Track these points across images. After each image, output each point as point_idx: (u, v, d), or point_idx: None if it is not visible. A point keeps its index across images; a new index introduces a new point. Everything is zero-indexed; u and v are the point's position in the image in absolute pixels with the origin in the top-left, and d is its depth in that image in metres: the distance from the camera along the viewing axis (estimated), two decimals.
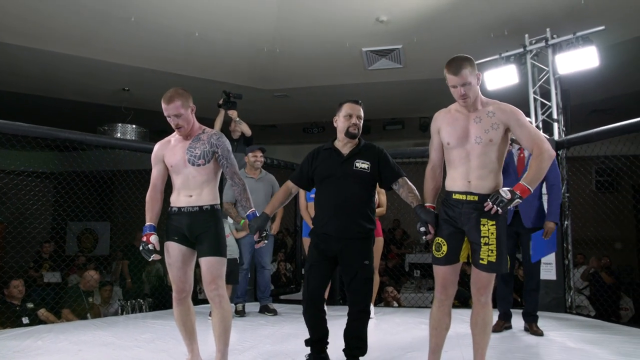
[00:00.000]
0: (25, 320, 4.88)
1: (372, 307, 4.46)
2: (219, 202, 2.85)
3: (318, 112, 9.25)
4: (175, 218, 2.78)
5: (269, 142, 10.80)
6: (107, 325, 4.30)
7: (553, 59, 5.48)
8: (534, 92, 5.66)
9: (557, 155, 5.00)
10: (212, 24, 6.24)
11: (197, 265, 2.83)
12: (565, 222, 5.07)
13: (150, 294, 6.31)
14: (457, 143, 2.48)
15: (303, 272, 2.98)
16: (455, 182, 2.50)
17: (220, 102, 5.41)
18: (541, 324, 3.87)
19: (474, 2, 5.90)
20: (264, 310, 4.82)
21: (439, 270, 2.53)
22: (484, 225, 2.41)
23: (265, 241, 2.88)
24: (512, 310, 3.98)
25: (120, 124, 8.43)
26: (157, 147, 2.89)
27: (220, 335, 2.72)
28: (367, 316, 2.83)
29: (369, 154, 2.87)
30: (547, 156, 2.38)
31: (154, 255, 2.74)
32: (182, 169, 2.77)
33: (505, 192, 2.35)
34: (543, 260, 4.17)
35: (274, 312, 4.77)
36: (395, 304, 5.96)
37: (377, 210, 4.42)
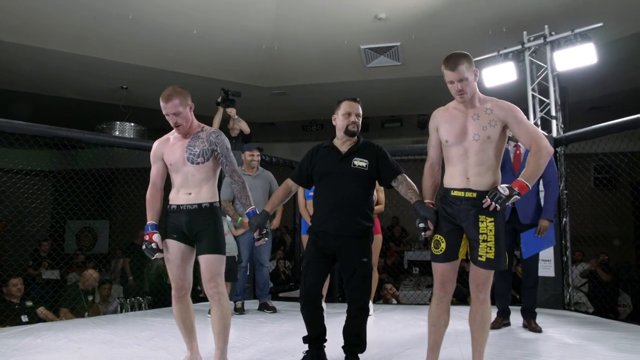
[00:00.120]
0: (24, 318, 4.89)
1: (371, 305, 4.47)
2: (218, 199, 2.85)
3: (317, 110, 9.25)
4: (174, 216, 2.78)
5: (267, 139, 10.80)
6: (106, 323, 4.30)
7: (551, 56, 5.49)
8: (532, 89, 5.67)
9: (556, 152, 5.01)
10: (211, 21, 6.23)
11: (198, 263, 2.84)
12: (564, 219, 5.08)
13: (149, 291, 6.32)
14: (455, 140, 2.49)
15: (301, 268, 2.98)
16: (454, 179, 2.50)
17: (219, 99, 5.42)
18: (540, 320, 3.88)
19: None
20: (263, 307, 4.83)
21: (437, 268, 2.53)
22: (482, 222, 2.42)
23: (266, 238, 2.89)
24: (510, 307, 3.99)
25: (118, 122, 8.42)
26: (156, 145, 2.89)
27: (219, 332, 2.72)
28: (366, 313, 2.84)
29: (367, 152, 2.87)
30: (545, 153, 2.38)
31: (157, 254, 2.74)
32: (181, 167, 2.77)
33: (503, 188, 2.35)
34: (541, 257, 4.19)
35: (273, 310, 4.78)
36: (394, 301, 5.97)
37: (376, 207, 4.42)
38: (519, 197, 2.37)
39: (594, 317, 4.55)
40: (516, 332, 3.82)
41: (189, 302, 2.86)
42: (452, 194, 2.49)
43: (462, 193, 2.46)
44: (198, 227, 2.74)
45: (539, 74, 5.66)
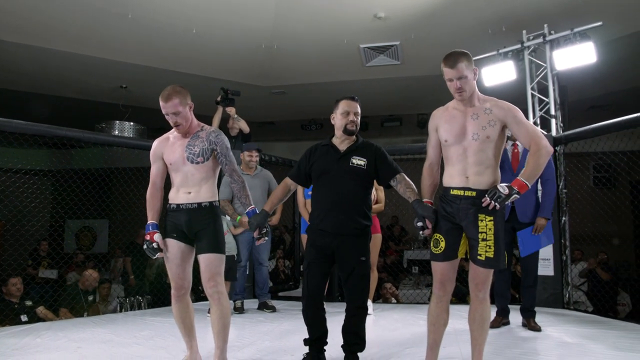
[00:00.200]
0: (23, 318, 4.89)
1: (370, 304, 4.50)
2: (217, 199, 2.85)
3: (316, 109, 9.25)
4: (174, 215, 2.78)
5: (267, 139, 10.82)
6: (105, 322, 4.30)
7: (551, 55, 5.50)
8: (532, 88, 5.68)
9: (555, 151, 5.01)
10: (210, 20, 6.23)
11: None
12: (563, 218, 5.08)
13: (149, 291, 6.32)
14: (454, 140, 2.49)
15: (302, 269, 2.98)
16: (453, 178, 2.51)
17: (218, 99, 5.42)
18: (539, 319, 3.88)
19: None
20: (263, 307, 4.83)
21: (437, 267, 2.53)
22: (481, 220, 2.42)
23: (266, 238, 2.89)
24: (509, 306, 4.00)
25: (118, 122, 8.43)
26: (155, 144, 2.88)
27: (219, 331, 2.72)
28: (364, 312, 2.84)
29: (366, 151, 2.87)
30: (545, 152, 2.39)
31: (158, 253, 2.74)
32: (181, 166, 2.77)
33: (503, 187, 2.36)
34: (541, 256, 4.19)
35: (273, 309, 4.78)
36: (394, 301, 5.98)
37: (376, 206, 4.43)
38: (518, 197, 2.37)
39: (593, 316, 4.55)
40: (515, 331, 3.83)
41: (189, 302, 2.86)
42: (451, 192, 2.50)
43: (462, 192, 2.46)
44: (198, 226, 2.74)
45: (538, 73, 5.67)
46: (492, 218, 2.41)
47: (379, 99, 8.53)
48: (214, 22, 6.28)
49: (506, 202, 2.37)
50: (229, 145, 2.85)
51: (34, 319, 4.90)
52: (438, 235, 2.52)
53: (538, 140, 2.40)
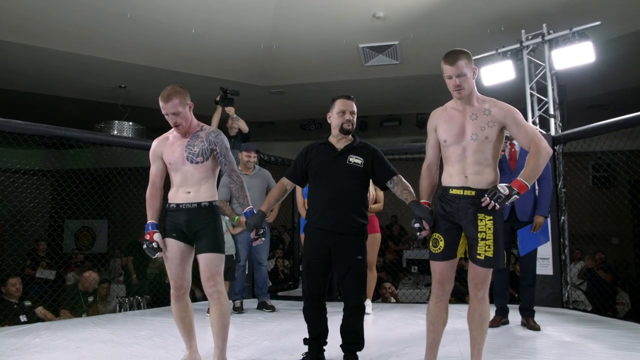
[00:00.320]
0: (23, 318, 4.89)
1: (369, 303, 4.51)
2: (217, 198, 2.85)
3: (315, 109, 9.23)
4: (173, 215, 2.78)
5: (266, 139, 10.82)
6: (105, 322, 4.30)
7: (549, 55, 5.50)
8: (531, 88, 5.68)
9: (554, 150, 5.02)
10: (209, 20, 6.23)
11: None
12: (562, 218, 5.09)
13: (148, 290, 6.32)
14: (453, 140, 2.49)
15: (301, 268, 2.98)
16: (452, 178, 2.51)
17: (218, 98, 5.42)
18: (538, 318, 3.89)
19: None
20: (262, 306, 4.83)
21: (436, 266, 2.54)
22: (481, 220, 2.42)
23: (263, 238, 2.89)
24: (508, 305, 4.00)
25: (117, 122, 8.43)
26: (155, 143, 2.88)
27: (218, 331, 2.72)
28: (362, 311, 2.84)
29: (363, 151, 2.88)
30: (545, 153, 2.40)
31: (158, 253, 2.75)
32: (181, 166, 2.77)
33: (503, 188, 2.36)
34: (540, 255, 4.20)
35: (272, 309, 4.78)
36: (393, 300, 5.98)
37: (375, 206, 4.43)
38: (518, 197, 2.38)
39: (592, 315, 4.55)
40: (514, 330, 3.83)
41: (188, 301, 2.86)
42: (450, 192, 2.50)
43: (461, 191, 2.46)
44: (197, 226, 2.74)
45: (537, 72, 5.67)
46: (491, 217, 2.41)
47: (378, 98, 8.53)
48: (214, 22, 6.28)
49: (506, 203, 2.38)
50: (228, 146, 2.85)
51: (33, 319, 4.89)
52: (437, 234, 2.52)
53: (538, 141, 2.41)
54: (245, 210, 2.86)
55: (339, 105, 2.89)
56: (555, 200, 4.92)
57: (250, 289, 5.22)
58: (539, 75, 5.64)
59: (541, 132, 4.96)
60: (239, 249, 4.66)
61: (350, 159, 2.84)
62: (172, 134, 2.86)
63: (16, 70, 7.25)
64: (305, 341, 2.91)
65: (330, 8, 6.11)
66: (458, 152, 2.49)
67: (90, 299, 5.66)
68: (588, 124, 4.74)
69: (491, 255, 2.42)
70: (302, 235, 4.58)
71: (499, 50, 5.81)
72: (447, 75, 2.47)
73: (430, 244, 2.55)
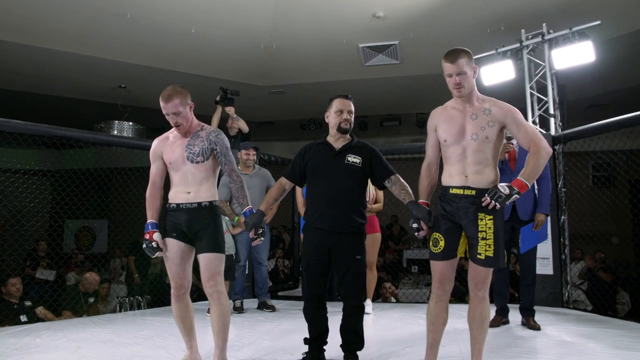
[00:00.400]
0: (23, 318, 4.89)
1: (370, 303, 4.51)
2: (217, 198, 2.85)
3: (315, 109, 9.22)
4: (173, 214, 2.78)
5: (266, 138, 10.82)
6: (105, 322, 4.30)
7: (549, 54, 5.50)
8: (531, 87, 5.68)
9: (554, 150, 5.02)
10: (209, 20, 6.23)
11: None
12: (562, 217, 5.09)
13: (149, 290, 6.32)
14: (453, 140, 2.50)
15: (301, 269, 2.98)
16: (453, 178, 2.51)
17: (218, 98, 5.41)
18: (538, 318, 3.89)
19: None
20: (263, 306, 4.83)
21: (436, 266, 2.54)
22: (481, 219, 2.42)
23: (262, 238, 2.88)
24: (509, 305, 4.00)
25: (117, 122, 8.43)
26: (155, 143, 2.88)
27: (219, 331, 2.72)
28: (361, 311, 2.84)
29: (361, 150, 2.88)
30: (545, 153, 2.40)
31: (157, 252, 2.75)
32: (181, 165, 2.77)
33: (503, 187, 2.36)
34: (540, 255, 4.20)
35: (273, 309, 4.79)
36: (393, 300, 5.98)
37: (375, 206, 4.43)
38: (518, 197, 2.39)
39: (593, 315, 4.56)
40: (515, 330, 3.83)
41: (188, 301, 2.86)
42: (450, 191, 2.50)
43: (461, 191, 2.46)
44: (198, 225, 2.74)
45: (537, 72, 5.67)
46: (491, 217, 2.42)
47: (378, 98, 8.52)
48: (214, 22, 6.27)
49: (506, 202, 2.38)
50: (228, 145, 2.85)
51: (34, 319, 4.89)
52: (437, 234, 2.52)
53: (538, 141, 2.41)
54: (244, 210, 2.86)
55: (336, 104, 2.90)
56: (556, 199, 4.92)
57: (251, 288, 5.22)
58: (538, 75, 5.64)
59: (541, 132, 4.98)
60: (239, 249, 4.66)
61: (349, 159, 2.84)
62: (172, 133, 2.86)
63: (16, 70, 7.25)
64: (306, 341, 2.91)
65: (330, 8, 6.10)
66: (458, 152, 2.49)
67: (91, 299, 5.66)
68: (588, 124, 4.74)
69: (491, 255, 2.42)
70: (302, 235, 4.62)
71: (499, 50, 5.81)
72: (447, 74, 2.47)
73: (431, 243, 2.55)
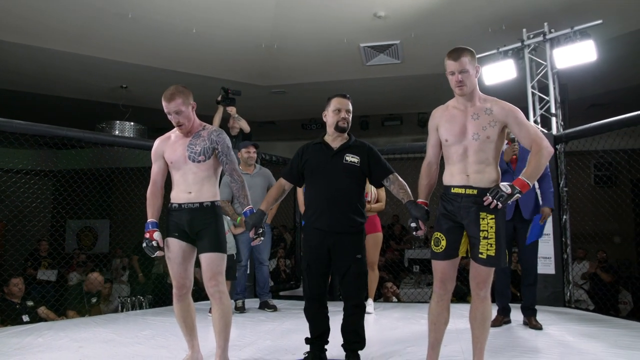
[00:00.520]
0: (25, 318, 4.90)
1: (371, 303, 4.51)
2: (219, 198, 2.85)
3: (316, 108, 9.13)
4: (175, 214, 2.78)
5: (267, 138, 10.82)
6: (107, 322, 4.30)
7: (551, 54, 5.49)
8: (532, 87, 5.67)
9: (556, 149, 5.02)
10: (210, 20, 6.23)
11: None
12: (564, 217, 5.08)
13: (150, 290, 6.33)
14: (455, 140, 2.50)
15: (301, 269, 2.98)
16: (454, 177, 2.51)
17: (219, 98, 5.41)
18: (540, 317, 3.89)
19: None
20: (264, 306, 4.83)
21: (437, 265, 2.53)
22: (483, 219, 2.42)
23: (262, 238, 2.87)
24: (510, 304, 4.00)
25: (118, 122, 8.43)
26: (157, 143, 2.88)
27: (220, 331, 2.72)
28: (362, 310, 2.83)
29: (359, 149, 2.88)
30: (546, 153, 2.40)
31: (157, 251, 2.75)
32: (182, 165, 2.77)
33: (505, 186, 2.36)
34: (542, 254, 4.19)
35: (274, 308, 4.79)
36: (395, 299, 5.98)
37: (376, 205, 4.43)
38: (520, 196, 2.39)
39: (594, 315, 4.55)
40: (516, 329, 3.83)
41: (190, 301, 2.86)
42: (452, 191, 2.50)
43: (463, 190, 2.46)
44: (199, 225, 2.74)
45: (538, 71, 5.66)
46: (493, 216, 2.41)
47: (379, 98, 8.52)
48: (214, 22, 6.28)
49: (508, 202, 2.38)
50: (230, 145, 2.85)
51: (36, 319, 4.90)
52: (439, 233, 2.52)
53: (539, 141, 2.41)
54: (244, 210, 2.86)
55: (334, 103, 2.90)
56: (558, 199, 4.91)
57: (252, 288, 5.23)
58: (540, 74, 5.63)
59: (543, 131, 4.99)
60: (240, 249, 4.66)
61: (347, 158, 2.83)
62: (174, 133, 2.86)
63: (16, 70, 7.26)
64: (307, 340, 2.91)
65: (331, 7, 6.10)
66: (460, 152, 2.49)
67: (94, 299, 5.67)
68: (590, 123, 4.73)
69: (493, 254, 2.42)
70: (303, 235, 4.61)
71: (501, 49, 5.80)
72: (449, 71, 2.47)
73: (432, 243, 2.55)
